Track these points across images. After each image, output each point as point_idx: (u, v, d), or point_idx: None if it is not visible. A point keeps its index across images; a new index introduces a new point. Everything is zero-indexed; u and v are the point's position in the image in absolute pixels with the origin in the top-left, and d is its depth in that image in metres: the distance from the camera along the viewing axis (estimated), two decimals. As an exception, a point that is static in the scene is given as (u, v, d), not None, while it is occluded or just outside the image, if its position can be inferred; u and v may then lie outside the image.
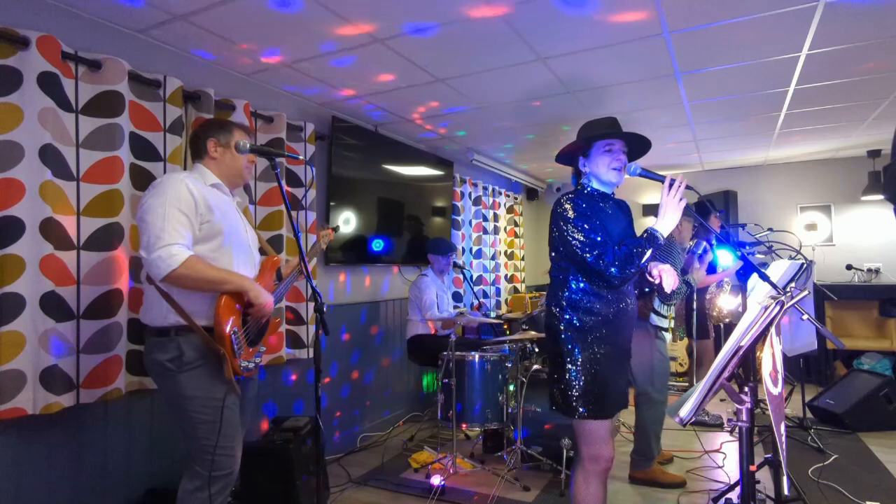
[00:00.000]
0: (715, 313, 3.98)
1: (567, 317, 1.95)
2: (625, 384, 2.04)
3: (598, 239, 1.89)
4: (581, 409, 1.90)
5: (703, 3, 2.29)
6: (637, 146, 2.11)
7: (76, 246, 2.18)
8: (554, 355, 1.99)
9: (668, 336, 3.16)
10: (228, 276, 1.86)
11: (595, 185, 2.06)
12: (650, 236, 1.89)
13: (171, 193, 1.80)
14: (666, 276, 1.96)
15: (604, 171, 2.01)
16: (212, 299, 1.85)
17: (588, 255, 1.87)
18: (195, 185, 1.88)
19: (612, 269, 1.85)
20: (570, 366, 1.92)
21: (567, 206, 1.96)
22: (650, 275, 2.02)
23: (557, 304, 1.99)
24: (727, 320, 4.13)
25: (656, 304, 2.99)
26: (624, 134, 2.04)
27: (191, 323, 1.82)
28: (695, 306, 4.07)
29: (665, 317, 3.07)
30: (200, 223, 1.87)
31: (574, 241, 1.90)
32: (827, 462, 3.29)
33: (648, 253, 1.87)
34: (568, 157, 2.12)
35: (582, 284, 1.95)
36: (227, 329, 1.82)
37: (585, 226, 1.91)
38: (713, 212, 3.89)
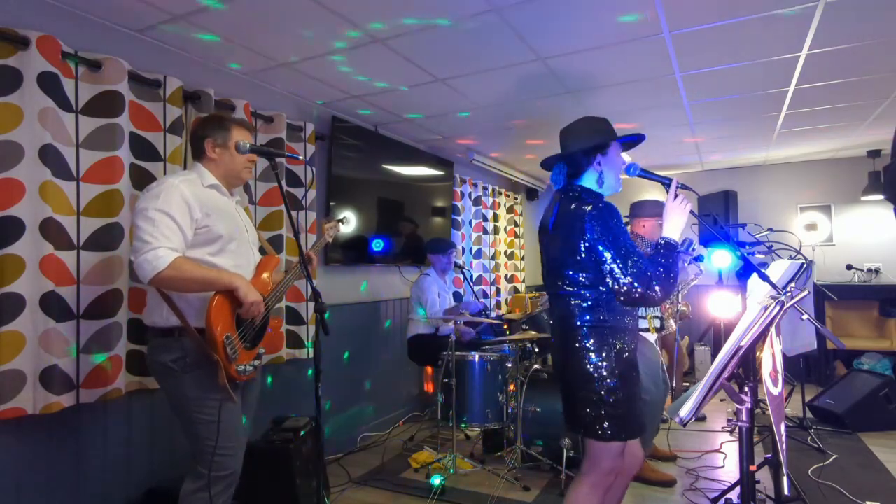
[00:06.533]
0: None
1: (595, 336, 1.79)
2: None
3: (637, 257, 1.74)
4: (613, 432, 1.76)
5: (703, 3, 2.29)
6: None
7: (76, 246, 2.18)
8: (577, 376, 1.81)
9: (650, 336, 3.16)
10: (217, 276, 1.84)
11: (603, 188, 1.91)
12: (669, 245, 1.78)
13: (163, 198, 1.79)
14: None
15: (614, 175, 1.91)
16: (206, 302, 1.82)
17: (633, 276, 1.71)
18: (191, 189, 1.86)
19: (659, 293, 1.71)
20: (599, 387, 1.76)
21: (600, 214, 1.76)
22: None
23: (581, 320, 1.80)
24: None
25: None
26: (641, 138, 1.99)
27: (187, 327, 1.82)
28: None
29: (644, 317, 3.08)
30: (197, 228, 1.85)
31: (614, 260, 1.73)
32: (827, 462, 3.29)
33: (678, 263, 1.78)
34: (578, 152, 1.90)
35: (605, 297, 1.79)
36: (219, 333, 1.79)
37: (628, 241, 1.75)
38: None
